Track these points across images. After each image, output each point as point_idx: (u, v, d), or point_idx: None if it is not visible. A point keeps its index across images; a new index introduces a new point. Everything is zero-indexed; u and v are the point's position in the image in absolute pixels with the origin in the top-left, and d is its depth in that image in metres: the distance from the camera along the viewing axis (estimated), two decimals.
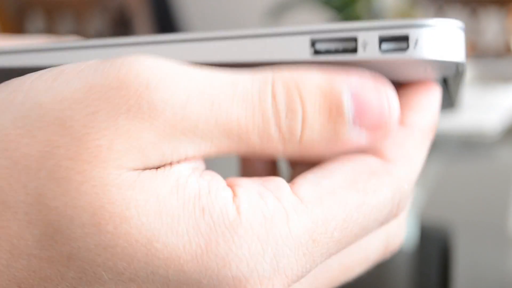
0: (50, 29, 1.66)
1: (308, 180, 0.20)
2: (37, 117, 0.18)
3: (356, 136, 0.20)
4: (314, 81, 0.20)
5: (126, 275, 0.18)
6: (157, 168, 0.18)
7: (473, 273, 0.43)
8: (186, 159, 0.19)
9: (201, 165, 0.20)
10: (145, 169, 0.18)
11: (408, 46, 0.20)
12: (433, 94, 0.23)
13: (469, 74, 1.10)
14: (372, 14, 1.28)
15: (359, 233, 0.20)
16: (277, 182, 0.19)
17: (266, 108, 0.19)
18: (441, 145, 0.75)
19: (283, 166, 0.30)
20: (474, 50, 1.60)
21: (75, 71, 0.19)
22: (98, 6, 1.74)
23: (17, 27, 1.60)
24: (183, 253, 0.18)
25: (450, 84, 0.25)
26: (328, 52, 0.21)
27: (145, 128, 0.18)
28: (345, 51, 0.21)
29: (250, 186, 0.19)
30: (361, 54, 0.20)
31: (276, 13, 1.38)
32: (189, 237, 0.18)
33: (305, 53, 0.21)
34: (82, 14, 1.71)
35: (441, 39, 0.20)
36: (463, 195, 0.61)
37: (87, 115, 0.18)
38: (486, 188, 0.63)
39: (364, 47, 0.20)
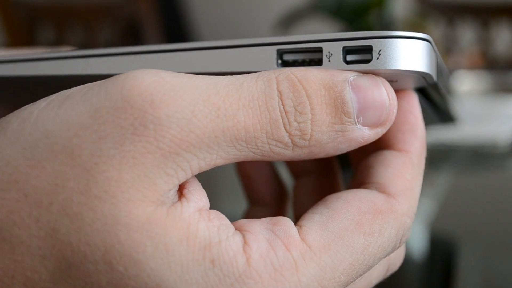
0: (60, 40, 1.67)
1: (315, 223, 0.20)
2: (46, 147, 0.18)
3: (361, 133, 0.20)
4: (317, 78, 0.19)
5: None
6: (163, 194, 0.18)
7: (483, 284, 0.43)
8: (191, 178, 0.19)
9: (206, 203, 0.19)
10: (153, 200, 0.18)
11: (372, 57, 0.20)
12: (416, 113, 0.23)
13: (480, 85, 1.09)
14: (383, 25, 1.28)
15: (365, 271, 0.20)
16: (286, 227, 0.19)
17: (273, 108, 0.19)
18: (452, 156, 0.74)
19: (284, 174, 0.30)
20: (485, 61, 1.60)
21: (79, 94, 0.18)
22: (108, 16, 1.75)
23: (27, 38, 1.61)
24: None
25: (432, 96, 0.25)
26: (296, 63, 0.21)
27: (151, 151, 0.18)
28: (312, 62, 0.20)
29: (259, 232, 0.19)
30: (326, 65, 0.20)
31: (287, 23, 1.38)
32: (198, 287, 0.18)
33: (273, 64, 0.20)
34: (92, 24, 1.72)
35: (404, 50, 0.19)
36: (474, 206, 0.60)
37: (94, 142, 0.17)
38: (497, 199, 0.63)
39: (329, 58, 0.20)
